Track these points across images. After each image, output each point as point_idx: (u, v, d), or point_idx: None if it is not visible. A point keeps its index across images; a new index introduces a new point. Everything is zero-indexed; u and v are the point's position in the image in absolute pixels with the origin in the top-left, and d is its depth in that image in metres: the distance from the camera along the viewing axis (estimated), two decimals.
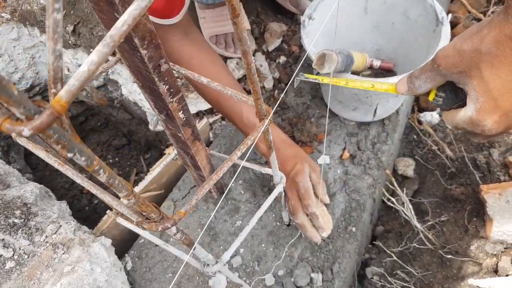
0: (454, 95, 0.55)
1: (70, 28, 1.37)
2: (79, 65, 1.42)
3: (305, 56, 0.65)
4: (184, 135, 0.79)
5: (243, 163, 0.74)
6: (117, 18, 0.53)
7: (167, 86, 0.66)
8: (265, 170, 0.85)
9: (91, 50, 1.38)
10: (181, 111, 0.73)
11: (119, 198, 0.48)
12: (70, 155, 0.31)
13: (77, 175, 0.54)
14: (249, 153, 0.77)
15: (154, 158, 1.91)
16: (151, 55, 0.60)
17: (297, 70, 0.65)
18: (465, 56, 0.46)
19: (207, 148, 0.99)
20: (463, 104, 0.54)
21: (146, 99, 0.73)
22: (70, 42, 1.38)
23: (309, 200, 0.85)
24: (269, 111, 0.59)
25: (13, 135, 0.30)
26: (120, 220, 0.87)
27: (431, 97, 0.59)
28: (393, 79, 0.85)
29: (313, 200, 0.85)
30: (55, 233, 0.93)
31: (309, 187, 0.86)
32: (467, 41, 0.46)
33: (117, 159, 1.98)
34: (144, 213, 0.47)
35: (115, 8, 0.51)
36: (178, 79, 0.75)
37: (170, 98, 0.69)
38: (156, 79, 0.63)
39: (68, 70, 1.47)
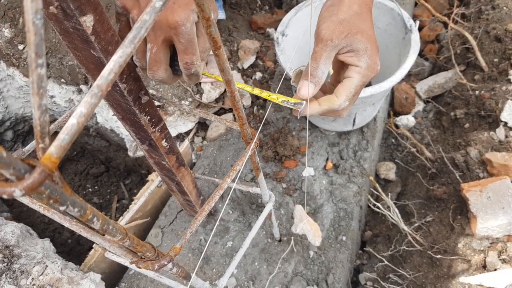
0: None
1: None
2: (51, 97, 1.39)
3: (282, 78, 0.66)
4: (169, 163, 0.78)
5: (234, 185, 0.73)
6: (93, 55, 0.53)
7: (148, 117, 0.65)
8: (253, 190, 0.85)
9: (62, 80, 1.36)
10: (164, 140, 0.72)
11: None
12: (62, 208, 0.30)
13: (64, 218, 0.53)
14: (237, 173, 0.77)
15: (135, 183, 1.88)
16: (131, 88, 0.59)
17: (276, 88, 0.65)
18: (344, 22, 0.57)
19: (192, 172, 0.98)
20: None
21: (127, 131, 0.72)
22: None
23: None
24: (255, 133, 0.60)
25: (4, 196, 0.29)
26: (109, 255, 0.85)
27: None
28: (375, 88, 0.87)
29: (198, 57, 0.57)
30: (41, 274, 0.90)
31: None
32: (339, 14, 0.57)
33: (96, 187, 1.93)
34: (138, 253, 0.46)
35: (91, 45, 0.50)
36: (157, 102, 0.74)
37: (152, 128, 0.68)
38: (137, 111, 0.62)
39: None
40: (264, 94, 0.63)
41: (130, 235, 0.42)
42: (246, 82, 1.27)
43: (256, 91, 0.64)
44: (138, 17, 0.54)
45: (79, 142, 1.84)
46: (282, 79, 0.66)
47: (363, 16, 0.58)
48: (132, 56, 0.58)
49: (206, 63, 1.30)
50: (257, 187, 0.89)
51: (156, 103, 0.69)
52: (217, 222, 0.97)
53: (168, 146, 0.74)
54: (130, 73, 0.58)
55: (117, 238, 0.40)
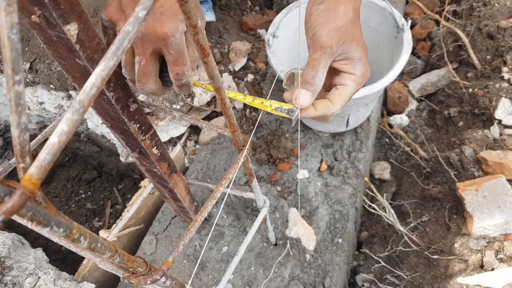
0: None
1: (26, 65, 1.32)
2: (40, 103, 1.37)
3: (274, 81, 0.65)
4: (160, 170, 0.76)
5: (228, 191, 0.72)
6: (79, 64, 0.51)
7: (138, 125, 0.64)
8: (247, 195, 0.84)
9: (51, 86, 1.33)
10: (155, 147, 0.71)
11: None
12: (46, 229, 0.29)
13: (53, 233, 0.51)
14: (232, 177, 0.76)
15: (128, 188, 1.86)
16: (119, 96, 0.58)
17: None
18: (342, 30, 0.56)
19: (184, 177, 0.97)
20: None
21: (117, 139, 0.70)
22: (28, 80, 1.33)
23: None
24: (247, 140, 0.58)
25: None
26: (102, 265, 0.83)
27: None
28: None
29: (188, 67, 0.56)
30: (34, 286, 0.88)
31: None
32: (337, 20, 0.56)
33: (89, 193, 1.91)
34: (130, 268, 0.44)
35: (76, 54, 0.49)
36: (147, 109, 0.71)
37: (142, 136, 0.66)
38: (126, 120, 0.61)
39: (29, 108, 1.41)
40: (257, 102, 0.62)
41: (120, 251, 0.40)
42: (237, 84, 1.26)
43: (248, 99, 0.63)
44: None
45: (70, 147, 1.81)
46: (275, 81, 0.65)
47: (356, 22, 0.58)
48: (120, 64, 0.56)
49: (197, 66, 1.28)
50: (251, 191, 0.88)
51: (146, 110, 0.68)
52: (212, 227, 0.96)
53: (159, 154, 0.72)
54: (118, 81, 0.57)
55: (106, 256, 0.38)
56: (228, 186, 0.60)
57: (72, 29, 0.46)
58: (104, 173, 1.92)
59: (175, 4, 0.51)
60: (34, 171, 0.25)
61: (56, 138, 0.26)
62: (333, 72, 0.61)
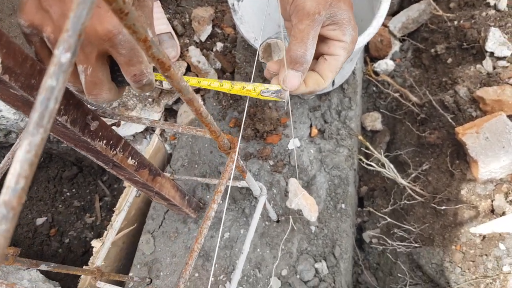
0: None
1: None
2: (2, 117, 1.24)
3: (256, 60, 0.56)
4: (142, 178, 0.69)
5: (230, 183, 0.65)
6: (15, 94, 0.42)
7: (104, 141, 0.55)
8: (241, 183, 0.78)
9: None
10: (130, 158, 0.63)
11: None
12: None
13: None
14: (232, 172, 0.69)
15: (114, 178, 1.78)
16: (74, 117, 0.48)
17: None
18: None
19: (171, 170, 0.90)
20: None
21: (85, 155, 0.62)
22: None
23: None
24: (234, 142, 0.51)
25: None
26: (101, 285, 0.78)
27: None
28: None
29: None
30: None
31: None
32: None
33: (74, 190, 1.82)
34: None
35: (8, 85, 0.39)
36: (111, 119, 0.61)
37: (113, 151, 0.58)
38: (89, 140, 0.52)
39: None
40: (237, 87, 0.54)
41: None
42: (207, 56, 1.15)
43: (226, 86, 0.54)
44: (55, 36, 0.42)
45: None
46: (257, 59, 0.56)
47: None
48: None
49: (159, 43, 1.16)
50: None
51: (109, 121, 0.59)
52: (221, 225, 0.90)
53: (136, 163, 0.64)
54: (69, 100, 0.47)
55: None
56: (221, 199, 0.53)
57: None
58: (85, 167, 1.82)
59: None
60: None
61: None
62: (318, 38, 0.53)
